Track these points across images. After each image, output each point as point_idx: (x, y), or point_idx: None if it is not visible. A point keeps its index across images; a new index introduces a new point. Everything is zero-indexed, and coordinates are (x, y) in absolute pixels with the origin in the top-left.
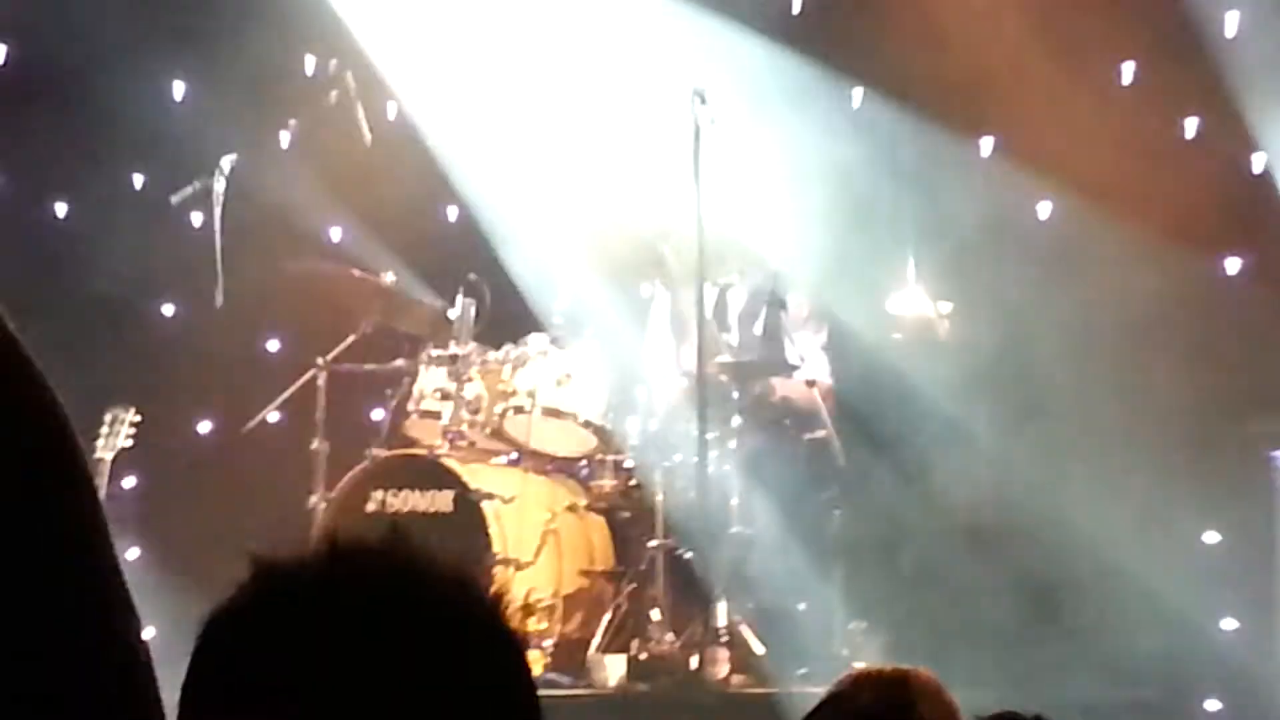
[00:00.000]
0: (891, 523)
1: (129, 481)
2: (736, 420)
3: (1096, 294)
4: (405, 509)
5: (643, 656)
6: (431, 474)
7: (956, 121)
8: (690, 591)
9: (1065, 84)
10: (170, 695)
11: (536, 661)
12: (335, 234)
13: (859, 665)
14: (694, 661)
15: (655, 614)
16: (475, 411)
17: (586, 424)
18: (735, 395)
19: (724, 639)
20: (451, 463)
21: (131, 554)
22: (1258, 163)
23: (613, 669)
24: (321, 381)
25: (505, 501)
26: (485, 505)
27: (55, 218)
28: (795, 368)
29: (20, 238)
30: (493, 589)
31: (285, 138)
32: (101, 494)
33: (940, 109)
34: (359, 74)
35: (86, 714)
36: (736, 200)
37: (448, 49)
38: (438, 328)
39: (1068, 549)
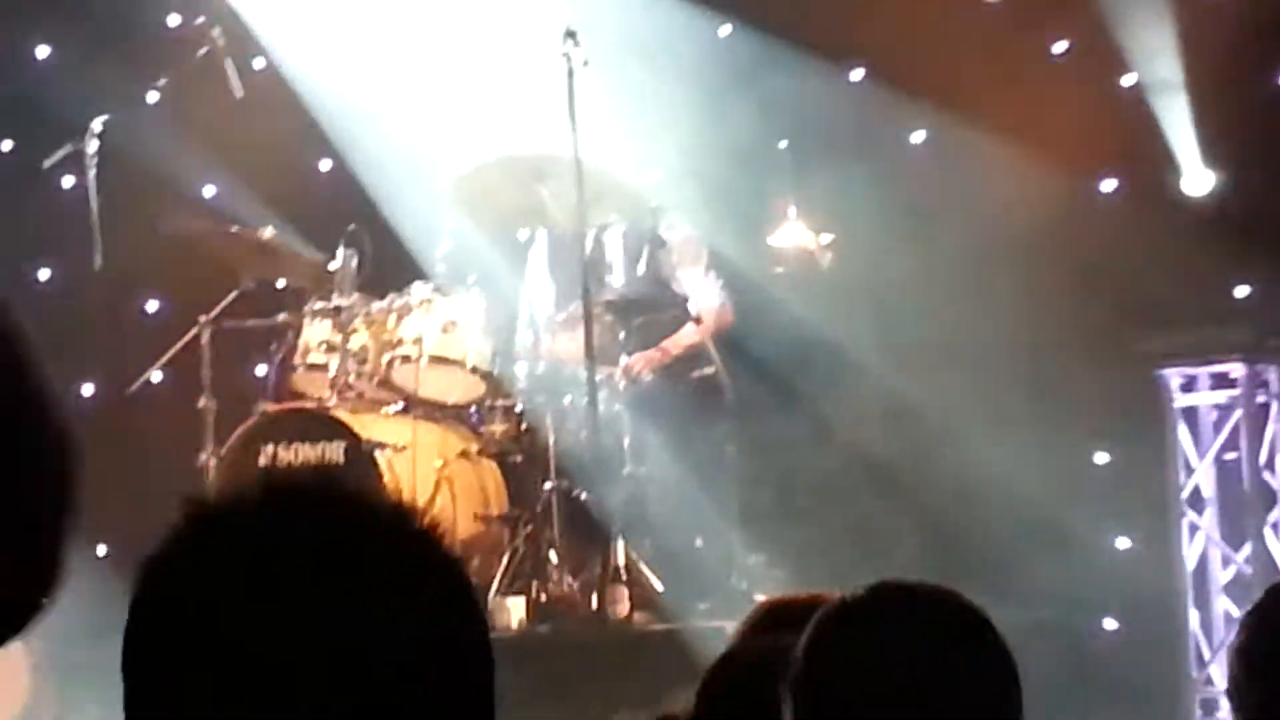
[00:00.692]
0: (784, 456)
1: None
2: (624, 360)
3: (975, 219)
4: (297, 462)
5: (543, 598)
6: (321, 426)
7: (826, 50)
8: (587, 532)
9: (934, 8)
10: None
11: None
12: (210, 191)
13: (759, 597)
14: (594, 601)
15: (553, 556)
16: (362, 362)
17: (474, 370)
18: (621, 336)
19: (623, 578)
20: (341, 414)
21: None
22: (1128, 82)
23: (513, 611)
24: (205, 339)
25: (397, 450)
26: (377, 455)
27: None
28: (676, 306)
29: None
30: (427, 519)
31: (155, 96)
32: None
33: (809, 38)
34: (226, 27)
35: None
36: (613, 140)
37: None
38: (320, 280)
39: (960, 475)
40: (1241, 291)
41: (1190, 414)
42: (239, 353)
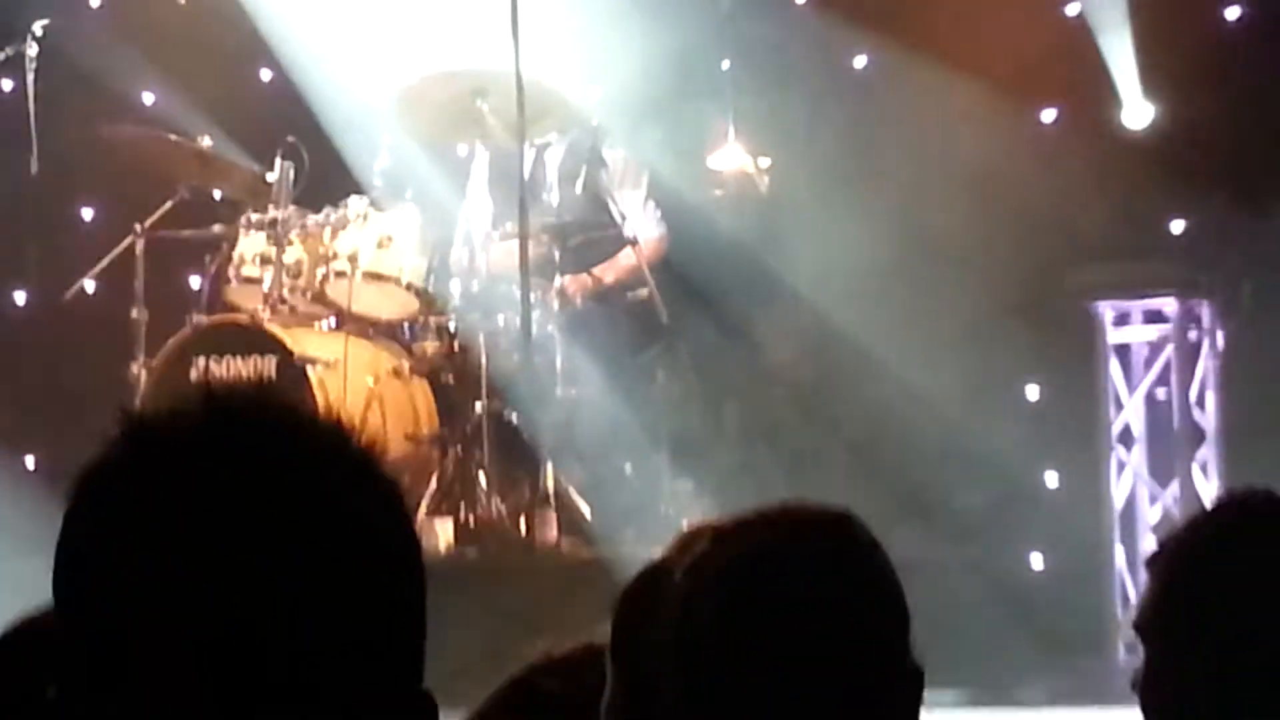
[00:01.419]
0: (716, 381)
1: None
2: (559, 281)
3: (915, 147)
4: (229, 375)
5: (471, 521)
6: (254, 340)
7: None
8: (517, 455)
9: None
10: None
11: None
12: (149, 98)
13: (685, 523)
14: (522, 525)
15: (482, 479)
16: (296, 276)
17: (408, 287)
18: (557, 255)
19: (552, 502)
20: (274, 328)
21: None
22: (1073, 11)
23: (441, 533)
24: (139, 249)
25: (328, 366)
26: (309, 370)
27: None
28: (614, 227)
29: None
30: (365, 437)
31: (97, 0)
32: None
33: None
34: None
35: None
36: (555, 57)
37: None
38: (256, 192)
39: (891, 405)
40: (1177, 227)
41: (1123, 350)
42: (173, 263)
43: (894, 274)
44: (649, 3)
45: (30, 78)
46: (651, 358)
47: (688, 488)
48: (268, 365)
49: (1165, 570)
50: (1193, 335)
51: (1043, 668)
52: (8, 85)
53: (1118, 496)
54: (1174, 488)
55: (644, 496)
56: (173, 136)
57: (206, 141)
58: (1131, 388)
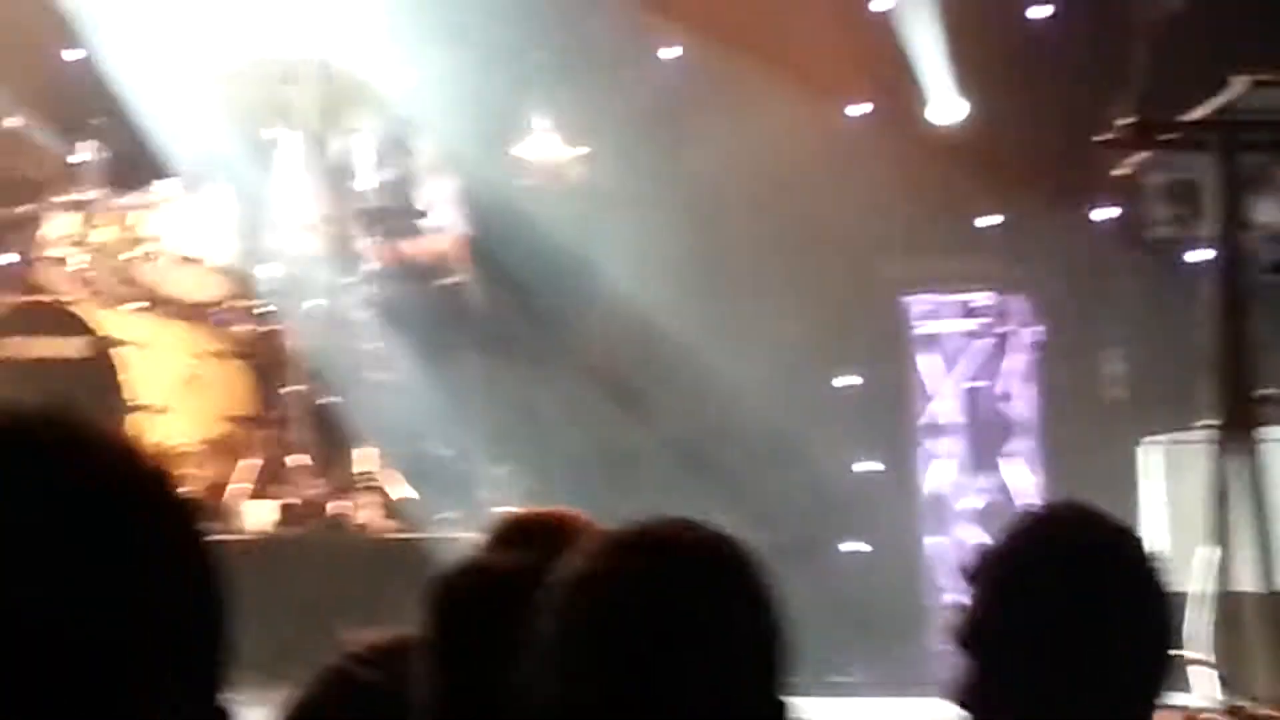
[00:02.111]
0: (530, 369)
1: None
2: (368, 267)
3: (725, 139)
4: (35, 356)
5: (289, 503)
6: (61, 321)
7: None
8: (334, 438)
9: None
10: None
11: None
12: None
13: (503, 509)
14: (340, 507)
15: (301, 460)
16: (105, 258)
17: (218, 269)
18: (366, 242)
19: (370, 485)
20: (80, 310)
21: None
22: (881, 6)
23: (259, 515)
24: None
25: (138, 348)
26: (117, 352)
27: None
28: (422, 215)
29: None
30: (154, 460)
31: None
32: None
33: None
34: None
35: None
36: (366, 45)
37: None
38: (64, 173)
39: (707, 395)
40: (989, 222)
41: (939, 343)
42: None
43: (707, 265)
44: None
45: None
46: (466, 343)
47: (504, 473)
48: (75, 347)
49: (987, 585)
50: (1003, 329)
51: (857, 654)
52: None
53: (928, 486)
54: (985, 479)
55: (462, 481)
56: None
57: (13, 122)
58: (946, 380)
